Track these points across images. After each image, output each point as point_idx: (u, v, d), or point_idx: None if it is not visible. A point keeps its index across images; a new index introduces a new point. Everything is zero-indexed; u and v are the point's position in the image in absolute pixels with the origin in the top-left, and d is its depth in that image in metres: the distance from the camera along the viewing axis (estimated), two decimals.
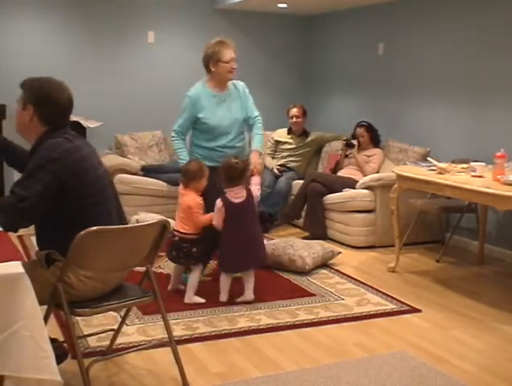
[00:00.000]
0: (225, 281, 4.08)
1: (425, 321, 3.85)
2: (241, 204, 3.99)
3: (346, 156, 6.23)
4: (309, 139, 6.67)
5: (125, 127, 6.77)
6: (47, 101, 2.68)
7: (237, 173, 3.99)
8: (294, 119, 6.58)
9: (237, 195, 3.99)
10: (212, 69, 4.24)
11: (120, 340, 3.29)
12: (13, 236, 2.77)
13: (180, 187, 4.14)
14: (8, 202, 2.52)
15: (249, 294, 4.08)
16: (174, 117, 7.09)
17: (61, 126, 2.72)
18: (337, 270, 4.83)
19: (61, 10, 6.59)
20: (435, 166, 4.58)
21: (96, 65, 6.78)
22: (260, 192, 4.24)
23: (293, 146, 6.61)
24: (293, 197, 6.11)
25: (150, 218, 4.97)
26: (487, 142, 5.27)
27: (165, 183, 6.14)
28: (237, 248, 4.00)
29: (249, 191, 4.05)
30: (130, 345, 3.33)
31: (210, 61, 4.23)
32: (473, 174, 4.29)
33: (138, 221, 5.34)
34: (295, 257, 4.62)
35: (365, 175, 5.87)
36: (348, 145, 6.14)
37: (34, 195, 2.51)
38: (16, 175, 6.00)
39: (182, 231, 4.05)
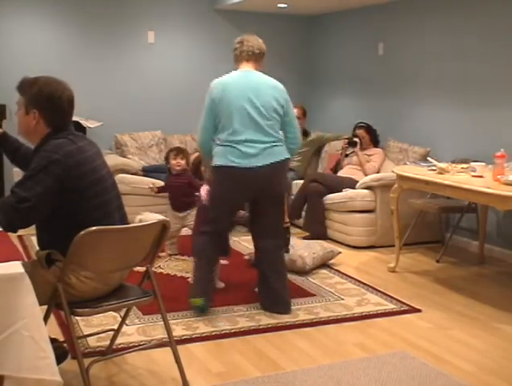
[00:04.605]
0: None
1: (425, 321, 3.85)
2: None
3: (346, 155, 6.23)
4: (309, 139, 6.68)
5: (125, 127, 6.78)
6: (50, 103, 2.67)
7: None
8: None
9: None
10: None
11: (120, 340, 3.29)
12: (13, 236, 2.76)
13: None
14: (8, 202, 2.52)
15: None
16: (174, 116, 7.16)
17: (64, 126, 2.72)
18: (337, 270, 4.83)
19: (61, 10, 6.59)
20: (435, 166, 4.58)
21: (96, 65, 6.78)
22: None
23: None
24: (293, 197, 6.12)
25: (154, 218, 4.96)
26: (487, 142, 5.26)
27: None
28: None
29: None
30: (130, 345, 3.32)
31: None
32: (473, 174, 4.29)
33: (141, 221, 5.33)
34: (295, 257, 4.62)
35: (365, 173, 5.89)
36: (351, 144, 6.14)
37: (34, 196, 2.50)
38: (16, 176, 6.02)
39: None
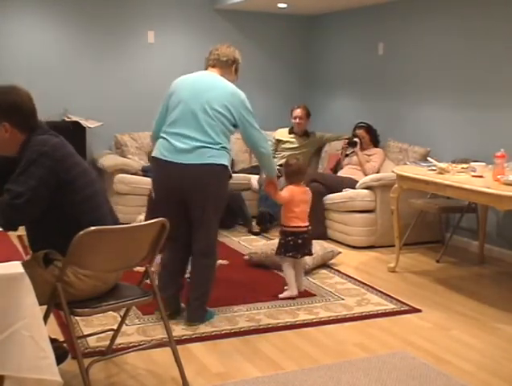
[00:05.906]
0: None
1: (425, 321, 3.85)
2: None
3: (346, 155, 6.24)
4: (310, 139, 6.68)
5: (125, 127, 6.77)
6: (16, 110, 2.65)
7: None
8: (297, 120, 6.59)
9: None
10: (237, 75, 3.95)
11: (120, 340, 3.29)
12: (13, 235, 2.76)
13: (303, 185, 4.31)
14: (4, 201, 2.53)
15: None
16: None
17: (37, 125, 2.72)
18: (337, 270, 4.83)
19: (61, 10, 6.58)
20: (435, 166, 4.58)
21: (96, 65, 6.78)
22: None
23: (294, 146, 6.62)
24: None
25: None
26: (487, 142, 5.27)
27: None
28: None
29: None
30: (130, 345, 3.32)
31: (239, 66, 3.91)
32: (473, 174, 4.29)
33: (141, 221, 5.33)
34: None
35: (365, 173, 5.89)
36: (351, 144, 6.14)
37: (29, 190, 2.52)
38: None
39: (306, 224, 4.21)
